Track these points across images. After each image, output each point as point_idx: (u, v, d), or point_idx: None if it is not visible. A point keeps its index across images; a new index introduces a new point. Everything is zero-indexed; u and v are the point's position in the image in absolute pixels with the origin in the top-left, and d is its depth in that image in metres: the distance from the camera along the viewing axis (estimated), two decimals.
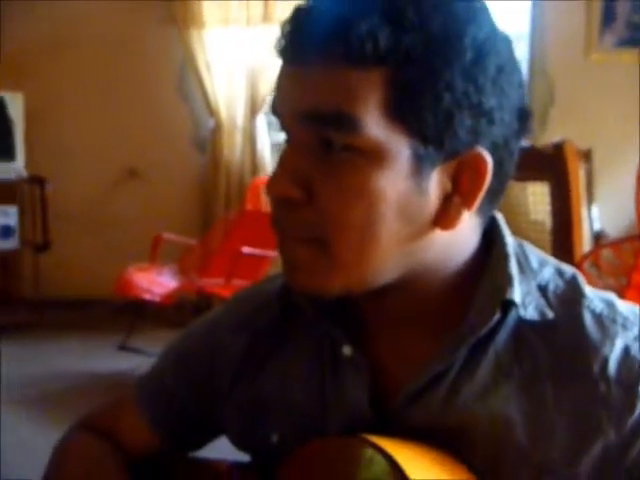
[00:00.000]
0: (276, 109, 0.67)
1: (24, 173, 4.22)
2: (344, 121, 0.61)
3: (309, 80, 0.62)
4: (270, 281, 0.83)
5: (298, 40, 0.63)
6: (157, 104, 4.47)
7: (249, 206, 4.04)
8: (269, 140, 4.38)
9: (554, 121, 4.03)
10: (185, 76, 4.47)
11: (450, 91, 0.61)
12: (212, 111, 4.35)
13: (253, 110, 4.32)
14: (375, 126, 0.61)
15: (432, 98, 0.61)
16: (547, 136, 3.57)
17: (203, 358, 0.81)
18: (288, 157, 0.65)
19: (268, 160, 4.35)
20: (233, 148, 4.36)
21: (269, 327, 0.78)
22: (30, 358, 3.81)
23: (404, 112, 0.62)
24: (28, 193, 4.32)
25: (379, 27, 0.60)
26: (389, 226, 0.63)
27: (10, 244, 4.24)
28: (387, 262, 0.65)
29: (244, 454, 0.83)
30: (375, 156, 0.62)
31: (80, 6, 4.29)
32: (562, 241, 2.41)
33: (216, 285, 3.54)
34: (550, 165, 2.26)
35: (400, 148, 0.62)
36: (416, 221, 0.65)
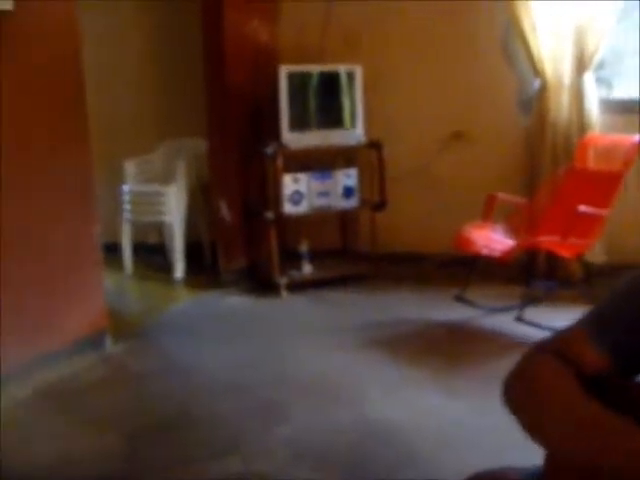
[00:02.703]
0: None
1: (363, 139, 4.65)
2: None
3: None
4: None
5: None
6: (483, 68, 4.66)
7: (578, 164, 4.05)
8: (597, 97, 4.33)
9: None
10: (510, 39, 4.57)
11: None
12: (537, 71, 4.41)
13: (580, 68, 4.28)
14: None
15: None
16: None
17: None
18: None
19: (596, 117, 4.30)
20: (560, 107, 4.36)
21: None
22: (372, 306, 4.24)
23: None
24: (366, 157, 4.76)
25: None
26: None
27: (351, 203, 4.72)
28: None
29: None
30: None
31: None
32: None
33: (553, 242, 3.64)
34: None
35: None
36: None
